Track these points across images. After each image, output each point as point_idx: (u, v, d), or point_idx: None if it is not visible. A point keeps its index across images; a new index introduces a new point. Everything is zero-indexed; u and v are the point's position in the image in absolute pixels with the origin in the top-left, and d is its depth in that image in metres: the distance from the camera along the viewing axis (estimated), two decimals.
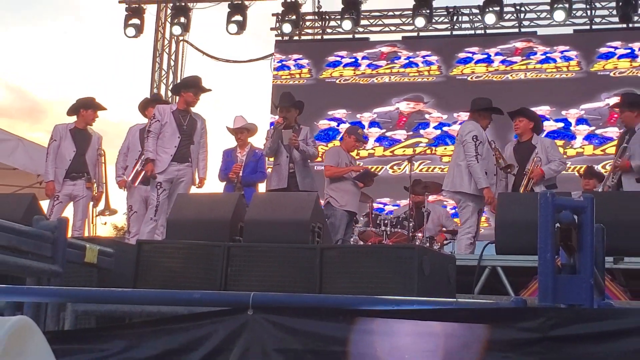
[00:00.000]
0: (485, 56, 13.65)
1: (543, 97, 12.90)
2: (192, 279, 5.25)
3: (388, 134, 13.61)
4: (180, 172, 7.89)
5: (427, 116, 13.47)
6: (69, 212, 8.39)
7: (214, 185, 9.16)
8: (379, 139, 13.64)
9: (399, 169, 12.91)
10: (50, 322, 4.09)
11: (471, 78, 13.61)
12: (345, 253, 5.35)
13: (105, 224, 9.00)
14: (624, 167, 7.47)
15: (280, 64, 14.36)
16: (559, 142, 12.49)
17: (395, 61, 14.00)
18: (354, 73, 14.08)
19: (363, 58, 14.13)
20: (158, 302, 4.02)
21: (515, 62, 13.50)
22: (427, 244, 8.28)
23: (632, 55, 13.07)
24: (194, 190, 8.07)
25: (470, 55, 13.73)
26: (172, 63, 14.94)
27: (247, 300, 3.28)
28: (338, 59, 14.23)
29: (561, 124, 12.83)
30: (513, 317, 3.10)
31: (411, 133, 13.48)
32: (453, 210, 11.05)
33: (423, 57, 13.92)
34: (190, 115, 8.08)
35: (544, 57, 13.41)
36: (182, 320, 3.42)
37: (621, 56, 13.12)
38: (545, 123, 12.65)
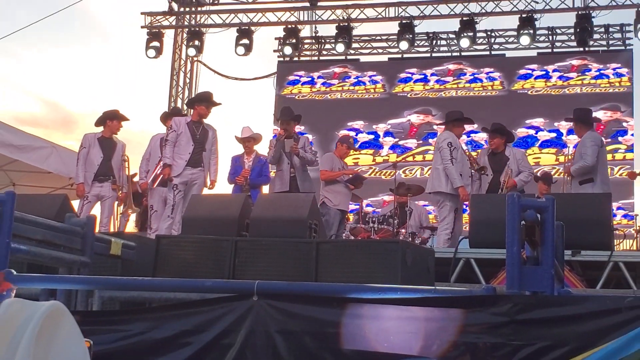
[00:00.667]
0: (423, 76, 13.84)
1: (472, 112, 13.00)
2: (204, 269, 5.23)
3: (401, 142, 13.56)
4: (193, 175, 7.88)
5: (435, 127, 13.32)
6: (96, 210, 8.36)
7: (223, 187, 9.14)
8: (393, 147, 13.57)
9: (411, 173, 13.03)
10: (79, 307, 4.08)
11: (410, 95, 13.80)
12: (338, 246, 5.33)
13: (127, 221, 8.95)
14: (567, 173, 7.55)
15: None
16: (552, 150, 12.70)
17: (346, 80, 14.15)
18: (310, 90, 14.18)
19: (318, 77, 14.23)
20: (174, 289, 4.01)
21: (448, 82, 13.70)
22: (410, 239, 8.27)
23: (546, 77, 13.27)
24: (206, 191, 8.05)
25: (409, 75, 13.92)
26: (188, 80, 14.91)
27: (252, 288, 3.27)
28: (297, 78, 14.30)
29: (554, 134, 12.82)
30: (484, 303, 3.10)
31: (421, 142, 13.42)
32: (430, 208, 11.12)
33: (370, 76, 14.07)
34: (203, 126, 8.07)
35: (472, 77, 13.61)
36: (196, 305, 3.41)
37: (537, 77, 13.32)
38: (540, 133, 12.80)
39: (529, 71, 13.33)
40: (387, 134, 13.68)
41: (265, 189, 9.00)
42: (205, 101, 8.15)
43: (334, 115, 13.79)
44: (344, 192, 8.88)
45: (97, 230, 4.86)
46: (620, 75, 12.99)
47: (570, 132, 12.64)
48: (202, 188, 7.95)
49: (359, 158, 13.48)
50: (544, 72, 13.26)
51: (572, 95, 12.96)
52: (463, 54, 13.73)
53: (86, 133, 8.55)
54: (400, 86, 13.81)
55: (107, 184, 8.33)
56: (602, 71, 13.05)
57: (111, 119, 8.48)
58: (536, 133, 12.84)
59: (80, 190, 8.27)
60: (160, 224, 7.81)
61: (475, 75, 13.54)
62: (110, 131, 8.49)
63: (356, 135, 13.56)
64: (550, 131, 12.86)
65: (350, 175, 9.15)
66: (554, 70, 13.21)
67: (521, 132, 12.73)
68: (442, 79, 13.64)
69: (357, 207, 9.73)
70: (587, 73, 13.09)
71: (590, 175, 7.52)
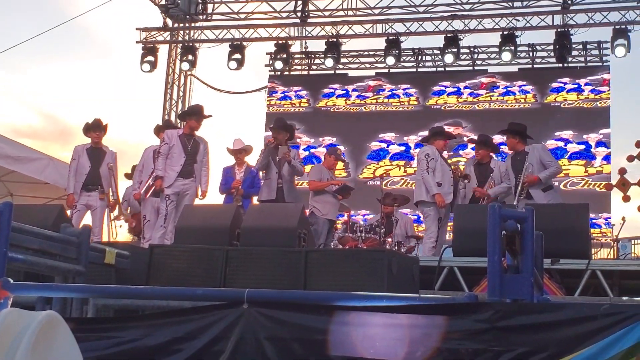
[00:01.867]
0: (344, 92, 14.20)
1: (387, 125, 13.73)
2: (196, 277, 5.22)
3: None
4: (185, 186, 7.87)
5: (465, 139, 13.14)
6: (87, 219, 8.32)
7: (215, 197, 9.13)
8: None
9: None
10: (74, 314, 4.06)
11: (333, 109, 14.16)
12: (326, 255, 5.34)
13: (120, 226, 8.82)
14: (531, 181, 7.60)
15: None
16: (581, 162, 12.76)
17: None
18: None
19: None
20: (167, 297, 4.01)
21: (368, 97, 14.08)
22: (396, 248, 8.28)
23: (458, 93, 13.62)
24: (197, 201, 8.04)
25: (332, 90, 14.26)
26: (181, 94, 14.90)
27: (243, 296, 3.27)
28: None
29: (582, 146, 12.83)
30: (467, 310, 3.11)
31: (451, 153, 13.08)
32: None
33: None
34: (195, 138, 8.06)
35: (390, 93, 13.96)
36: (187, 313, 3.41)
37: (450, 93, 13.67)
38: (569, 145, 12.86)
39: (442, 88, 13.79)
40: (417, 145, 13.46)
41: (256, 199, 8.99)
42: (195, 114, 8.16)
43: (366, 127, 13.85)
44: (332, 202, 8.88)
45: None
46: (525, 92, 13.39)
47: (599, 144, 12.79)
48: (193, 198, 7.94)
49: (390, 169, 13.51)
50: (455, 89, 13.68)
51: (481, 110, 13.41)
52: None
53: (76, 145, 8.54)
54: (434, 99, 13.90)
55: (95, 193, 8.29)
56: (509, 88, 13.43)
57: (89, 130, 8.46)
58: (565, 145, 12.89)
59: (70, 200, 8.24)
60: (153, 234, 7.79)
61: (394, 91, 13.98)
62: (94, 141, 8.47)
63: (387, 146, 13.60)
64: (579, 143, 12.88)
65: (338, 186, 9.15)
66: (465, 87, 13.60)
67: (550, 144, 12.80)
68: (475, 91, 13.75)
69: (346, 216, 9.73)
70: (495, 90, 13.47)
71: (550, 183, 7.75)
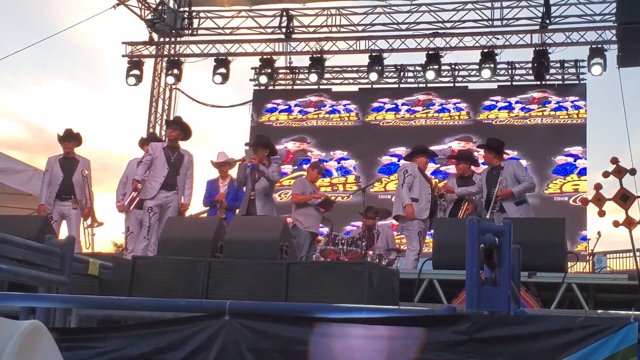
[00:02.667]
0: (287, 107, 14.38)
1: (342, 142, 13.97)
2: (179, 289, 5.19)
3: (442, 168, 13.32)
4: (168, 198, 7.85)
5: (475, 153, 13.15)
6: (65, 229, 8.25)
7: (198, 209, 9.09)
8: (434, 173, 13.08)
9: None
10: (58, 324, 4.03)
11: (275, 124, 14.16)
12: (308, 268, 5.34)
13: (94, 234, 8.64)
14: (505, 195, 7.70)
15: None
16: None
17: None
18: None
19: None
20: (149, 308, 3.98)
21: (309, 112, 14.30)
22: (377, 261, 8.31)
23: (396, 110, 13.97)
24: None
25: (275, 105, 14.33)
26: (166, 107, 14.88)
27: (224, 307, 3.26)
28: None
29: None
30: (445, 322, 3.12)
31: None
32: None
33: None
34: (179, 151, 8.05)
35: (331, 109, 14.25)
36: (170, 324, 3.39)
37: (388, 110, 14.01)
38: (578, 161, 12.96)
39: (381, 104, 14.07)
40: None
41: None
42: (178, 125, 8.18)
43: (377, 142, 13.90)
44: (315, 215, 8.90)
45: None
46: (459, 109, 13.69)
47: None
48: (176, 210, 7.92)
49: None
50: (394, 106, 13.99)
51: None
52: (432, 85, 14.03)
53: (49, 157, 8.48)
54: (373, 115, 14.02)
55: (69, 202, 8.23)
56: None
57: (63, 141, 8.41)
58: (575, 161, 12.95)
59: (41, 210, 8.15)
60: (137, 245, 7.76)
61: (334, 107, 14.25)
62: (66, 151, 8.40)
63: (398, 161, 13.53)
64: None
65: (321, 199, 9.17)
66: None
67: (560, 159, 12.93)
68: (412, 108, 13.94)
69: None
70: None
71: (523, 197, 7.86)
